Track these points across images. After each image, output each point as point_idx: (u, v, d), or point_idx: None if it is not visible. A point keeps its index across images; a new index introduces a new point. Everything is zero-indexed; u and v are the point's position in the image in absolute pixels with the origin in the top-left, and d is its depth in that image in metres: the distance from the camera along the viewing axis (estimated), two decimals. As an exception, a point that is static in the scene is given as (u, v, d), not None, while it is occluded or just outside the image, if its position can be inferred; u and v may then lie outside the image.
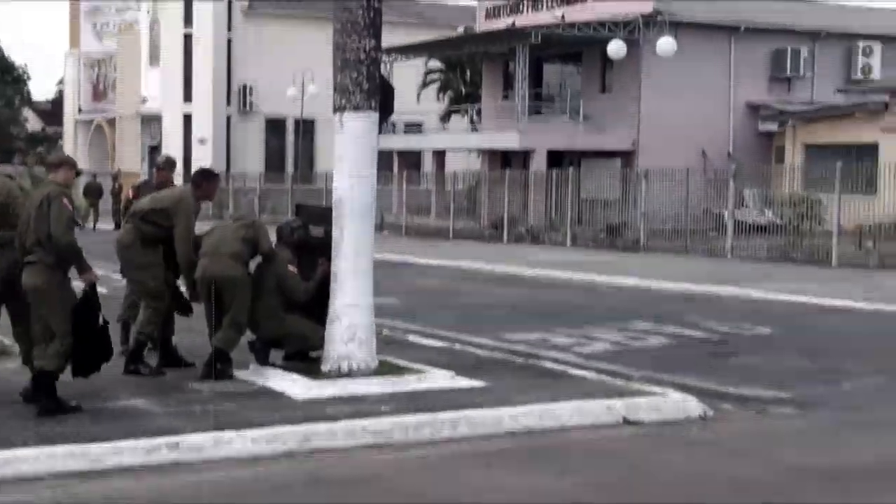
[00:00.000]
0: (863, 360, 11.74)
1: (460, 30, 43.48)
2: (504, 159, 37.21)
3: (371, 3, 9.35)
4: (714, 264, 23.69)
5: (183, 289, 9.97)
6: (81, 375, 8.36)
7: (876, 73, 36.04)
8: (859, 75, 36.03)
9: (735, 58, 34.90)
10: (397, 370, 9.67)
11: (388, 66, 35.73)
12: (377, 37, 9.46)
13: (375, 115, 9.50)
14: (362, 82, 9.36)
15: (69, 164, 8.52)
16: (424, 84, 45.95)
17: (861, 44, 36.23)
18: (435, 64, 46.32)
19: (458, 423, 8.13)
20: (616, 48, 32.72)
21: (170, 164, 11.20)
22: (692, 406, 8.89)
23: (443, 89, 46.87)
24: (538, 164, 33.81)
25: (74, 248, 8.09)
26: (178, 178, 13.08)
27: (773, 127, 34.76)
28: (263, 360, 9.85)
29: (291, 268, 9.82)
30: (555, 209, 31.29)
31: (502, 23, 37.75)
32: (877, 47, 36.29)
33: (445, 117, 45.55)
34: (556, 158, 34.03)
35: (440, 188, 37.36)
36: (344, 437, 7.76)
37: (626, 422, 8.49)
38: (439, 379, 9.54)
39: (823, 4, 38.92)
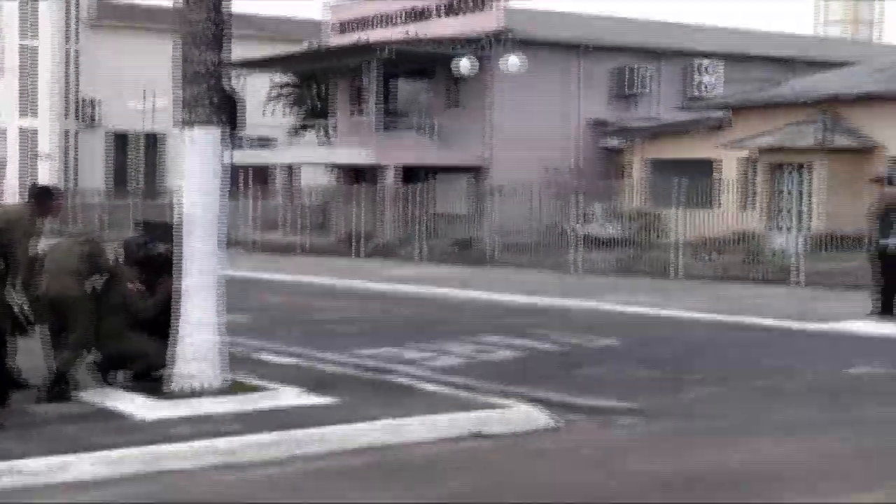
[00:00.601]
0: (704, 369, 12.07)
1: (306, 45, 43.24)
2: (357, 174, 37.16)
3: (216, 15, 9.21)
4: (562, 277, 24.08)
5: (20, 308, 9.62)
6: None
7: (717, 90, 37.21)
8: (699, 92, 37.15)
9: (581, 75, 35.60)
10: (247, 388, 9.53)
11: (241, 80, 35.32)
12: (223, 50, 9.32)
13: (222, 130, 9.36)
14: (209, 96, 9.21)
15: None
16: (274, 98, 45.58)
17: (700, 62, 37.36)
18: (285, 79, 45.98)
19: (308, 440, 8.04)
20: (466, 65, 33.08)
21: None
22: (540, 418, 8.99)
23: (295, 104, 46.56)
24: (390, 179, 33.88)
25: None
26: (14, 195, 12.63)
27: (617, 143, 35.53)
28: (108, 380, 9.59)
29: (137, 284, 9.60)
30: (407, 224, 31.37)
31: (354, 38, 37.73)
32: (716, 65, 37.49)
33: (297, 132, 45.26)
34: (409, 173, 34.14)
35: (292, 203, 37.07)
36: (191, 457, 7.59)
37: (476, 435, 8.53)
38: (290, 396, 9.43)
39: (665, 23, 40.04)
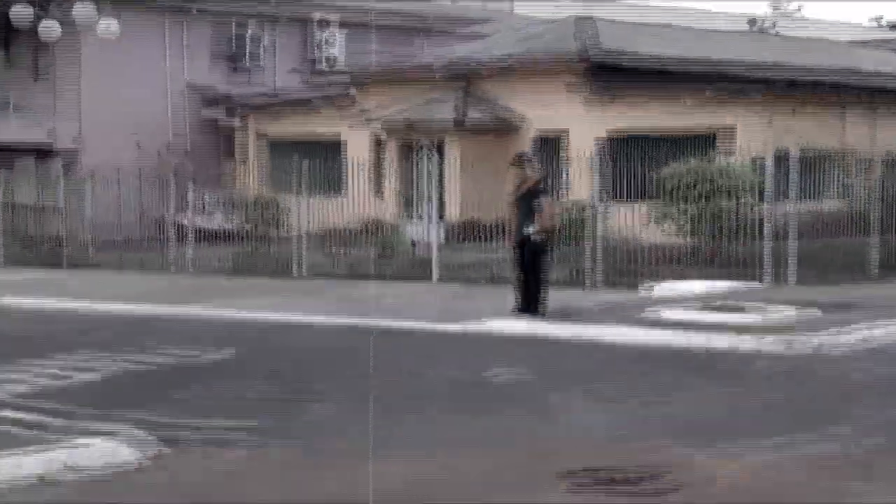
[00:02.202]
0: (333, 380, 12.21)
1: None
2: None
3: None
4: (170, 279, 23.66)
5: None
6: None
7: (341, 62, 37.61)
8: (322, 65, 37.48)
9: (187, 42, 35.06)
10: None
11: None
12: None
13: None
14: None
15: None
16: None
17: (323, 31, 37.68)
18: None
19: None
20: (47, 29, 31.75)
21: None
22: (132, 448, 8.69)
23: None
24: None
25: None
26: None
27: (229, 120, 35.12)
28: None
29: None
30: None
31: None
32: (340, 34, 37.92)
33: None
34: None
35: None
36: None
37: (56, 476, 8.08)
38: None
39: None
